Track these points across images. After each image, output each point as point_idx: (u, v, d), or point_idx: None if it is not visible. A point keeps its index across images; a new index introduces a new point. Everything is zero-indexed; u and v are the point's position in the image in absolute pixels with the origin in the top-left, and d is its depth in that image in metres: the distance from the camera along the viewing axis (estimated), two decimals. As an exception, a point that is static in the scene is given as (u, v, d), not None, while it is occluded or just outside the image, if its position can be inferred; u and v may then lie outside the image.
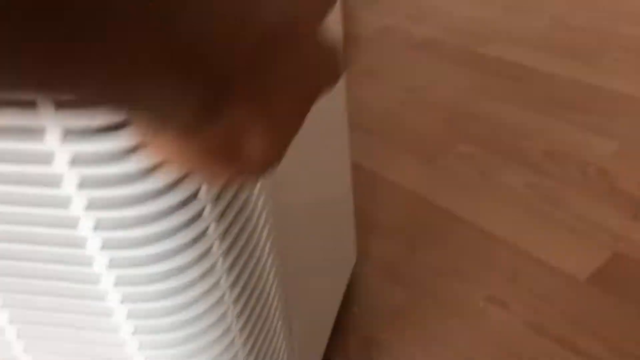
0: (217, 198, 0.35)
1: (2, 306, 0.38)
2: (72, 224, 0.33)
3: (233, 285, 0.39)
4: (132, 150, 0.31)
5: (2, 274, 0.36)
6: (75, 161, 0.31)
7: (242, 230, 0.39)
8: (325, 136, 0.67)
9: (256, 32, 0.17)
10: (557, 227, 0.92)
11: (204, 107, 0.17)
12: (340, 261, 0.83)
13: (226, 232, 0.37)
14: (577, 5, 1.65)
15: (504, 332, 0.78)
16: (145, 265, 0.35)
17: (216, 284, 0.38)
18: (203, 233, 0.35)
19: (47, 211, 0.33)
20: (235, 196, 0.37)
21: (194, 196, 0.34)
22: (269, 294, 0.46)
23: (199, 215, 0.34)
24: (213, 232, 0.36)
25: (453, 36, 1.58)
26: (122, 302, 0.36)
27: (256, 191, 0.41)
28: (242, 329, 0.41)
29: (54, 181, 0.32)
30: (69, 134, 0.30)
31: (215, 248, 0.37)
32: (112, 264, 0.35)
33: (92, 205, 0.32)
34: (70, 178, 0.31)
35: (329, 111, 0.67)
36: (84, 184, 0.32)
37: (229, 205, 0.37)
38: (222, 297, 0.39)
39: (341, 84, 0.70)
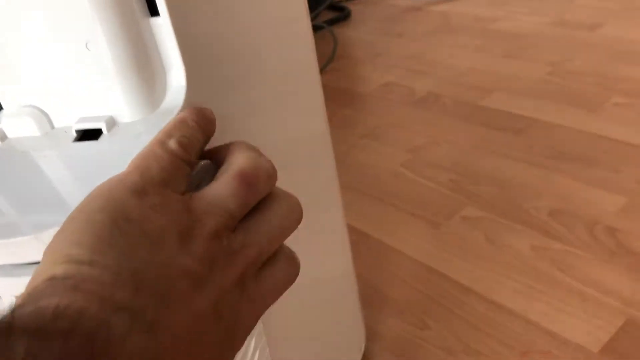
0: None
1: None
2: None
3: None
4: None
5: None
6: None
7: None
8: (315, 206, 0.66)
9: None
10: (567, 294, 0.90)
11: None
12: (349, 344, 0.83)
13: None
14: (575, 47, 1.65)
15: (518, 413, 0.77)
16: None
17: None
18: None
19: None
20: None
21: None
22: None
23: None
24: None
25: (454, 89, 1.59)
26: None
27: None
28: None
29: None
30: None
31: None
32: None
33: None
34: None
35: (318, 179, 0.67)
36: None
37: None
38: None
39: (330, 151, 0.69)
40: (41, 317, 0.22)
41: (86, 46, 0.35)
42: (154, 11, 0.38)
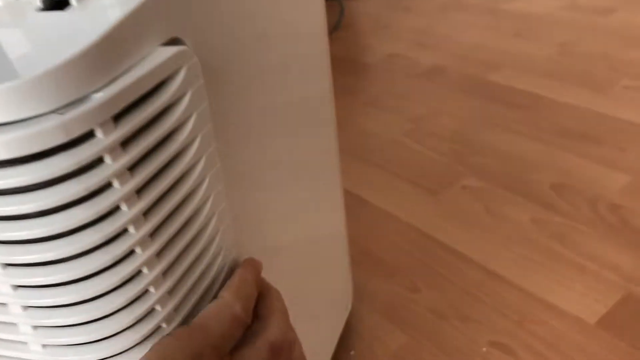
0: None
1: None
2: None
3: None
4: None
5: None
6: None
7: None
8: (314, 169, 0.64)
9: None
10: (566, 267, 0.88)
11: None
12: (336, 302, 0.80)
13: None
14: (586, 31, 1.62)
15: (508, 380, 0.75)
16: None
17: None
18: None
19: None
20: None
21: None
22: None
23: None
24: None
25: (461, 64, 1.56)
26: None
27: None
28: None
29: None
30: None
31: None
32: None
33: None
34: None
35: (318, 142, 0.65)
36: None
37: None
38: None
39: (332, 115, 0.67)
40: None
41: None
42: None
